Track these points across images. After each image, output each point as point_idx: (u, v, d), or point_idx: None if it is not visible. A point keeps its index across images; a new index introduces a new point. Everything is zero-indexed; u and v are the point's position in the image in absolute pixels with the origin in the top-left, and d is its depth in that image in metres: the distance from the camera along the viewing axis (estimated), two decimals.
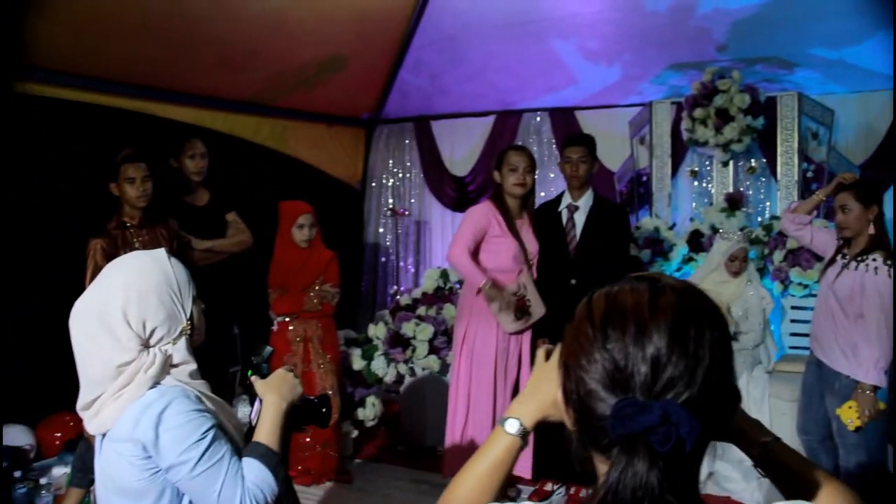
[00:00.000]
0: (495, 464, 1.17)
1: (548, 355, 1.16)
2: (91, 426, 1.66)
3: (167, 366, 1.67)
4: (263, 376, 1.81)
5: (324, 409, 1.86)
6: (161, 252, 1.75)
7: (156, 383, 1.64)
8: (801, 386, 3.81)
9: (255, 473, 1.65)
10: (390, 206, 7.20)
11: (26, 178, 4.25)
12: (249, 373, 1.81)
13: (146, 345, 1.66)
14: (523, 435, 1.16)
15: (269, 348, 1.92)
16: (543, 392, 1.11)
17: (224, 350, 4.50)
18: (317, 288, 4.31)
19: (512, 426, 1.16)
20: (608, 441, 0.84)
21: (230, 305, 4.40)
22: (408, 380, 5.10)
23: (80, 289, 1.74)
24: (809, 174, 5.44)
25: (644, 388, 0.84)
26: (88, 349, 1.62)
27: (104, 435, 1.66)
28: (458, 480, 1.19)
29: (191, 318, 1.73)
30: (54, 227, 4.29)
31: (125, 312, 1.62)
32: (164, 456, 1.59)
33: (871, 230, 3.43)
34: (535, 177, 4.17)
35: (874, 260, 3.37)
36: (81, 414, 1.67)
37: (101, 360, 1.61)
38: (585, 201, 4.25)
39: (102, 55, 4.39)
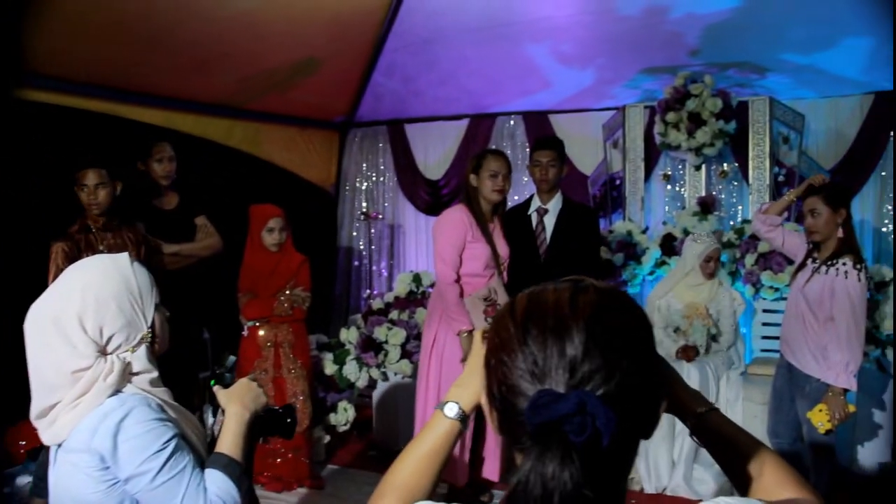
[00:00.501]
0: (435, 448, 1.17)
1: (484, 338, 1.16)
2: (46, 436, 1.61)
3: (127, 374, 1.62)
4: (226, 386, 1.77)
5: (288, 420, 1.82)
6: (123, 257, 1.71)
7: (116, 391, 1.59)
8: (772, 389, 3.83)
9: (218, 485, 1.60)
10: (363, 210, 7.17)
11: (25, 179, 4.17)
12: (212, 382, 1.77)
13: (103, 352, 1.61)
14: (462, 419, 1.17)
15: (232, 357, 1.90)
16: (481, 376, 1.10)
17: (193, 355, 4.46)
18: (287, 292, 4.27)
19: (451, 410, 1.17)
20: (527, 436, 0.82)
21: (200, 310, 4.36)
22: (380, 384, 5.07)
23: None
24: (781, 178, 5.49)
25: (562, 383, 0.83)
26: (42, 354, 1.58)
27: (59, 445, 1.61)
28: (399, 464, 1.18)
29: (152, 326, 1.69)
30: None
31: (81, 318, 1.57)
32: (122, 467, 1.54)
33: (840, 234, 3.46)
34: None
35: (844, 264, 3.39)
36: (36, 423, 1.62)
37: (54, 366, 1.56)
38: (555, 204, 4.24)
39: (73, 57, 4.31)
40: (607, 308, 0.89)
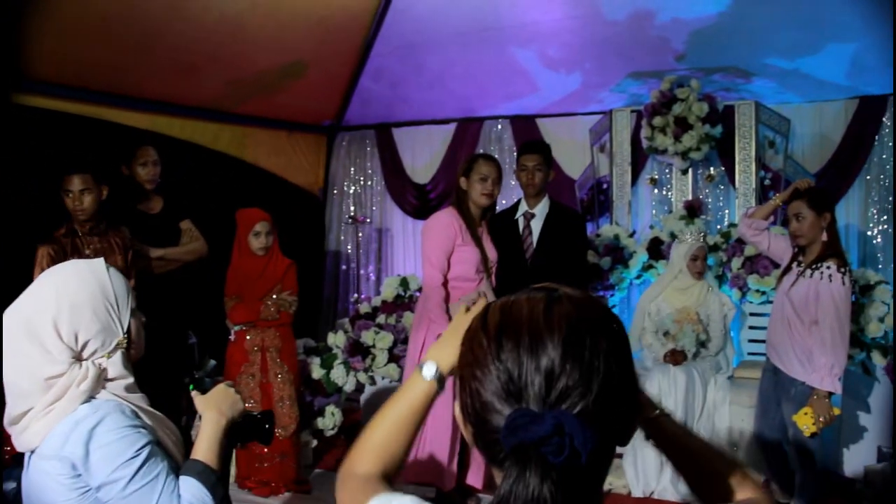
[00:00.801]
0: (413, 409, 1.17)
1: (468, 309, 1.17)
2: (19, 442, 1.60)
3: (101, 380, 1.61)
4: (204, 391, 1.75)
5: (266, 426, 1.80)
6: (99, 262, 1.69)
7: (90, 398, 1.58)
8: (758, 392, 3.84)
9: (192, 492, 1.58)
10: (351, 214, 7.16)
11: (12, 182, 4.15)
12: (191, 387, 1.75)
13: (78, 357, 1.59)
14: (439, 379, 1.18)
15: (212, 362, 1.88)
16: (459, 338, 1.07)
17: (180, 359, 4.43)
18: (274, 296, 4.25)
19: (429, 370, 1.18)
20: (504, 454, 0.81)
21: (187, 314, 4.33)
22: (368, 388, 5.05)
23: None
24: (767, 182, 5.50)
25: (538, 399, 0.82)
26: (16, 360, 1.56)
27: (33, 451, 1.60)
28: (374, 425, 1.18)
29: (128, 332, 1.67)
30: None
31: (56, 323, 1.55)
32: (94, 474, 1.52)
33: (825, 237, 3.47)
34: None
35: (828, 268, 3.40)
36: (9, 429, 1.60)
37: (28, 372, 1.55)
38: (542, 209, 4.24)
39: (59, 61, 4.31)
40: (582, 321, 0.87)
